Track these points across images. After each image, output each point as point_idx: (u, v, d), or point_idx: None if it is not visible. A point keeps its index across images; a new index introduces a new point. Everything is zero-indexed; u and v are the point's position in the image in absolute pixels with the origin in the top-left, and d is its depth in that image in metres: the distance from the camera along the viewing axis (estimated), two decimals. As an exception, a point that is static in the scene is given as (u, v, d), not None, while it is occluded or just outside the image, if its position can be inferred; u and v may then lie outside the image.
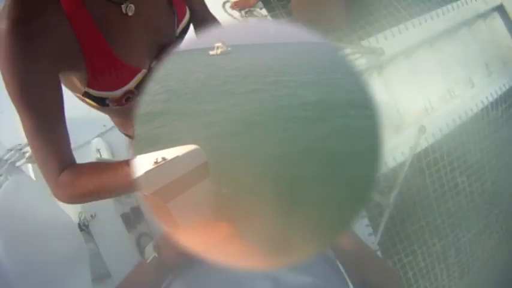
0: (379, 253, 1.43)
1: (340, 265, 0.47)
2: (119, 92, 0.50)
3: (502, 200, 1.91)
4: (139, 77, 0.51)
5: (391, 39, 1.58)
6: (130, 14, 0.46)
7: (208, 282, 0.42)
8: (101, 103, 0.51)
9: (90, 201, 0.47)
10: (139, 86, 0.52)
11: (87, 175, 0.44)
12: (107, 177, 0.42)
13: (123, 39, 0.47)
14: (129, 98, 0.53)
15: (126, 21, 0.47)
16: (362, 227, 1.38)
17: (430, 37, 1.69)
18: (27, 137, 0.43)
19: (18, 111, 0.41)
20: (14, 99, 0.40)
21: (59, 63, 0.41)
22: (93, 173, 0.44)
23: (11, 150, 0.83)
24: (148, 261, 0.41)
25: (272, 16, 1.62)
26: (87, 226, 1.13)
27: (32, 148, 0.43)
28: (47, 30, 0.38)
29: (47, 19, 0.38)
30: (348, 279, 0.46)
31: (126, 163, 0.41)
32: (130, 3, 0.46)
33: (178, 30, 0.57)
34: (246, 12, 1.59)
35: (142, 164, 0.34)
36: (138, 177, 0.33)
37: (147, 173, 0.32)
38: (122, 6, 0.45)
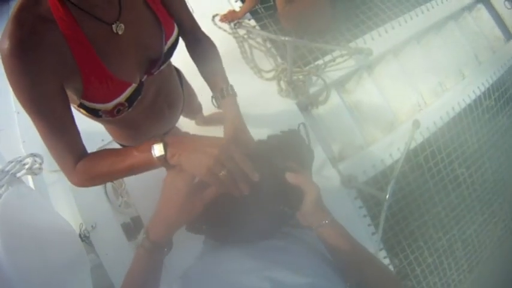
0: (383, 252, 1.43)
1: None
2: (110, 105, 0.53)
3: (504, 188, 1.90)
4: (129, 90, 0.55)
5: (378, 39, 1.61)
6: (120, 32, 0.50)
7: (207, 283, 0.44)
8: (94, 114, 0.55)
9: (103, 182, 0.52)
10: (130, 99, 0.56)
11: (100, 160, 0.50)
12: (116, 161, 0.48)
13: (114, 55, 0.51)
14: (120, 110, 0.56)
15: (116, 39, 0.50)
16: (364, 226, 1.39)
17: (416, 34, 1.72)
18: (42, 139, 0.48)
19: (32, 119, 0.47)
20: (26, 109, 0.45)
21: (59, 77, 0.45)
22: (105, 158, 0.49)
23: (11, 162, 0.87)
24: (140, 243, 0.45)
25: (261, 26, 1.66)
26: (88, 237, 1.14)
27: (47, 148, 0.49)
28: (46, 48, 0.42)
29: (45, 39, 0.42)
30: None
31: (135, 148, 0.47)
32: (121, 22, 0.50)
33: (167, 47, 0.60)
34: (235, 24, 1.63)
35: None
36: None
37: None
38: (113, 25, 0.49)
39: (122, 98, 0.54)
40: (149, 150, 0.43)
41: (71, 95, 0.50)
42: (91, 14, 0.46)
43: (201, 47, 0.69)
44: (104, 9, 0.47)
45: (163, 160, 0.43)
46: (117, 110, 0.56)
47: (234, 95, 0.64)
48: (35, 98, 0.44)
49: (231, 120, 0.60)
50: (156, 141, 0.44)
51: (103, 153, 0.50)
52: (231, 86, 0.65)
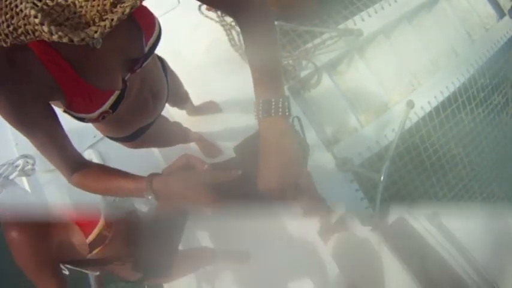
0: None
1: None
2: (94, 114, 0.56)
3: (503, 167, 1.88)
4: (112, 98, 0.57)
5: (368, 20, 1.58)
6: (98, 46, 0.48)
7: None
8: (80, 121, 0.58)
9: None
10: (114, 105, 0.58)
11: (95, 180, 0.54)
12: (111, 187, 0.53)
13: (93, 69, 0.51)
14: (105, 116, 0.58)
15: (94, 53, 0.49)
16: (362, 210, 1.37)
17: (407, 13, 1.69)
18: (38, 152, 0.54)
19: (26, 137, 0.51)
20: (19, 130, 0.49)
21: (44, 98, 0.49)
22: (100, 179, 0.54)
23: (4, 165, 0.89)
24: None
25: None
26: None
27: (45, 158, 0.54)
28: (27, 77, 0.45)
29: (25, 68, 0.44)
30: None
31: (133, 182, 0.51)
32: None
33: (148, 47, 0.58)
34: (221, 13, 1.60)
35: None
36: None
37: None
38: None
39: (105, 106, 0.56)
40: (142, 193, 0.49)
41: (57, 103, 0.53)
42: None
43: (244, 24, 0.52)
44: None
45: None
46: (102, 117, 0.57)
47: (277, 113, 0.44)
48: (22, 121, 0.47)
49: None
50: (147, 191, 0.48)
51: (98, 176, 0.55)
52: (281, 96, 0.44)
